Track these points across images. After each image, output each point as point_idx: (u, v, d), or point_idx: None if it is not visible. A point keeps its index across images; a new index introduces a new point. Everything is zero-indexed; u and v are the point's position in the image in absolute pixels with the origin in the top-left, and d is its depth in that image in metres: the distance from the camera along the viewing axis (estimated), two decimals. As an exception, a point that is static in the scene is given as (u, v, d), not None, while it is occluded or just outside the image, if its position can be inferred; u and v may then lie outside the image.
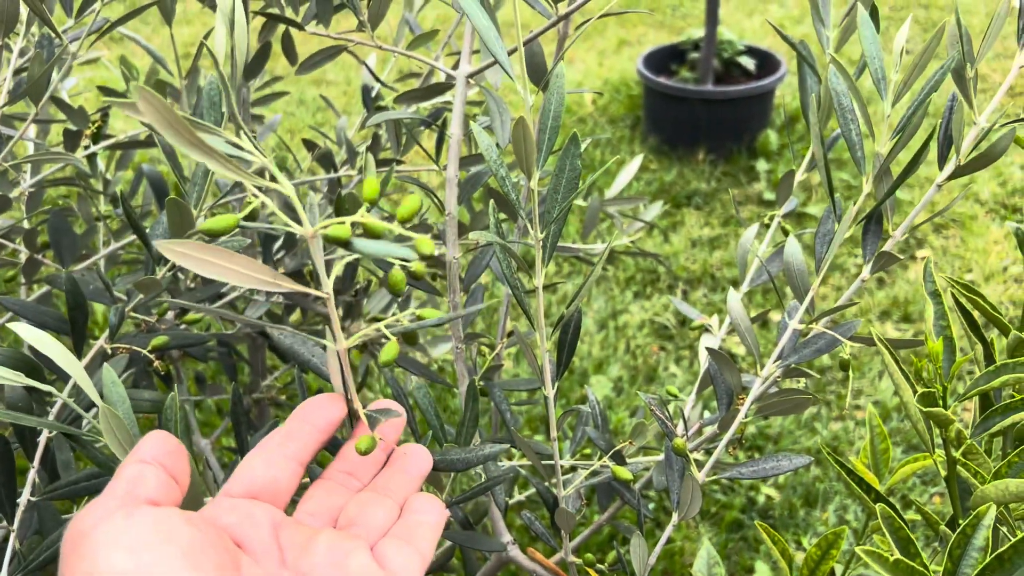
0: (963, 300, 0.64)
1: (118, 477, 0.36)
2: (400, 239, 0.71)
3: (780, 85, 2.87)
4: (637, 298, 2.30)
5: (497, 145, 0.69)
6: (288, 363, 0.93)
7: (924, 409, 0.46)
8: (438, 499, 0.44)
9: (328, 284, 0.42)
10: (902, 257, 0.53)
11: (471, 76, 0.66)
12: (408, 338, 0.46)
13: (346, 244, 0.40)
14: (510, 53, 0.65)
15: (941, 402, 0.49)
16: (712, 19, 2.73)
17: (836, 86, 0.56)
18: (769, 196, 2.68)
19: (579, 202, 1.08)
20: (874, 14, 0.68)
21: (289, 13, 0.77)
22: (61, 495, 0.54)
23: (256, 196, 0.40)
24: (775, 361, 0.58)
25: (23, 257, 0.85)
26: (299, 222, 0.39)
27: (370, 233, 0.40)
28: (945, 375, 0.49)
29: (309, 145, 0.93)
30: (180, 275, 0.87)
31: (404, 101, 0.69)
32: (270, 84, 1.13)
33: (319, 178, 0.92)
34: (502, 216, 0.90)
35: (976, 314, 0.64)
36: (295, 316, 0.92)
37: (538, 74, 0.74)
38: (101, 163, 0.95)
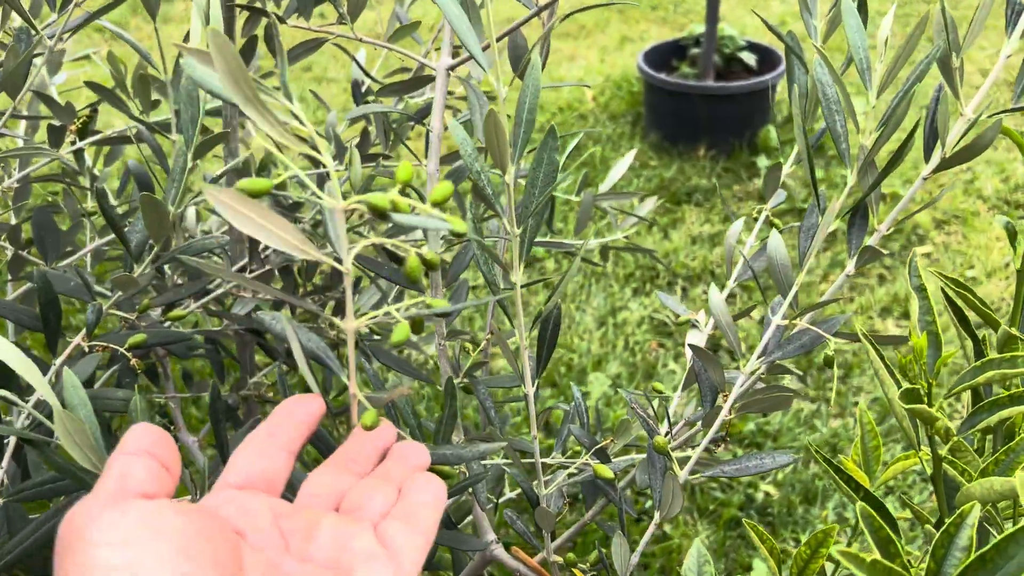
0: (953, 295, 0.63)
1: (107, 472, 0.36)
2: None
3: (781, 81, 2.86)
4: (636, 295, 2.29)
5: (477, 140, 0.68)
6: (277, 360, 0.92)
7: (906, 406, 0.45)
8: (436, 477, 0.43)
9: (348, 260, 0.42)
10: (886, 252, 0.52)
11: (451, 69, 0.65)
12: (414, 325, 0.46)
13: (383, 214, 0.40)
14: (487, 47, 0.64)
15: (926, 399, 0.48)
16: (713, 15, 2.71)
17: (821, 76, 0.55)
18: (770, 192, 2.66)
19: (573, 197, 1.07)
20: (862, 5, 0.67)
21: (271, 7, 0.76)
22: (28, 497, 0.53)
23: (288, 167, 0.41)
24: (759, 357, 0.57)
25: (10, 254, 0.84)
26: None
27: (399, 212, 0.41)
28: (930, 371, 0.48)
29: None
30: (166, 271, 0.86)
31: (386, 94, 0.68)
32: (264, 79, 1.12)
33: (308, 172, 0.91)
34: (490, 213, 0.90)
35: (967, 310, 0.63)
36: (283, 314, 0.92)
37: (522, 67, 0.74)
38: (89, 159, 0.94)
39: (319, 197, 0.41)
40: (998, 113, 0.51)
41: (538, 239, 1.08)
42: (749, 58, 2.89)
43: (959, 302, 0.63)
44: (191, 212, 1.13)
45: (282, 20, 0.74)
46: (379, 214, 0.41)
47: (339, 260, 0.43)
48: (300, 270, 0.96)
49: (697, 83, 2.77)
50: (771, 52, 2.93)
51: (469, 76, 0.85)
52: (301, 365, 0.47)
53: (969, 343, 0.64)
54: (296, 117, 0.41)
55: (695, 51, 2.95)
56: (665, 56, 2.99)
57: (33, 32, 0.64)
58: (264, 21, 0.80)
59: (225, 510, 0.38)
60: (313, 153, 0.40)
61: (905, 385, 0.46)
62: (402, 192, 0.42)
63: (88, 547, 0.32)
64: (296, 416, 0.44)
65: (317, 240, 0.96)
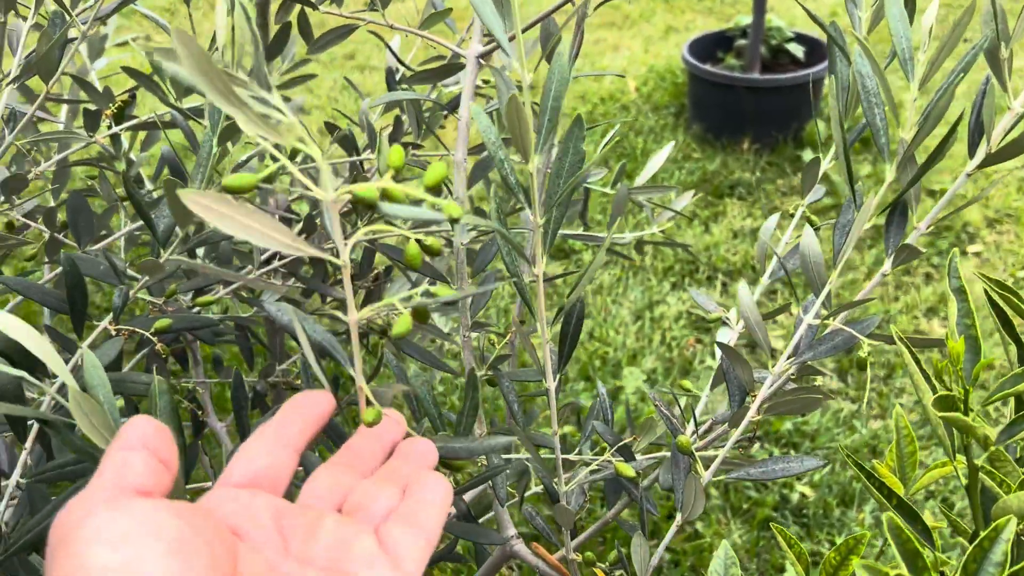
0: (996, 297, 0.60)
1: (104, 466, 0.35)
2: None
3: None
4: (675, 289, 2.26)
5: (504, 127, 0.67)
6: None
7: (939, 414, 0.43)
8: (442, 477, 0.42)
9: (345, 253, 0.41)
10: (924, 251, 0.50)
11: (481, 57, 0.64)
12: (419, 315, 0.45)
13: (372, 206, 0.39)
14: (514, 37, 0.63)
15: (962, 406, 0.46)
16: (760, 5, 2.66)
17: (861, 68, 0.53)
18: (815, 187, 2.61)
19: (608, 190, 1.05)
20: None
21: (305, -8, 0.76)
22: (50, 478, 0.53)
23: (276, 158, 0.40)
24: (788, 357, 0.55)
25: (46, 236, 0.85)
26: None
27: (393, 200, 0.40)
28: (967, 377, 0.46)
29: (330, 127, 0.92)
30: (198, 256, 0.86)
31: (416, 82, 0.68)
32: (298, 67, 1.12)
33: (339, 160, 0.91)
34: (521, 204, 0.88)
35: (1011, 313, 0.61)
36: (314, 302, 0.92)
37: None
38: (126, 142, 0.95)
39: (309, 190, 0.40)
40: (1048, 108, 0.49)
41: (571, 232, 1.07)
42: (797, 50, 2.84)
43: (1003, 305, 0.61)
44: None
45: (314, 6, 0.73)
46: (367, 205, 0.40)
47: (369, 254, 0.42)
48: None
49: (743, 75, 2.72)
50: (819, 44, 2.87)
51: (504, 66, 0.83)
52: (308, 357, 0.46)
53: (1013, 348, 0.61)
54: (277, 108, 0.39)
55: (741, 42, 2.90)
56: (710, 47, 2.94)
57: (67, 17, 0.64)
58: (298, 7, 0.79)
59: (225, 508, 0.38)
60: (299, 146, 0.39)
61: (940, 391, 0.44)
62: (395, 179, 0.40)
63: (83, 544, 0.32)
64: (304, 412, 0.43)
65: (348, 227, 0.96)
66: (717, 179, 2.66)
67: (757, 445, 1.93)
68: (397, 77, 0.97)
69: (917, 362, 0.49)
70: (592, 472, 0.62)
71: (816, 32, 3.01)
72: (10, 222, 0.86)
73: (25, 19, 0.70)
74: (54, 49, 0.60)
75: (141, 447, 0.36)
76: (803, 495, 1.71)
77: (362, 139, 1.01)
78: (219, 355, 0.92)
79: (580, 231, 1.06)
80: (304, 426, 0.43)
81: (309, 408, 0.43)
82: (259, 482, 0.40)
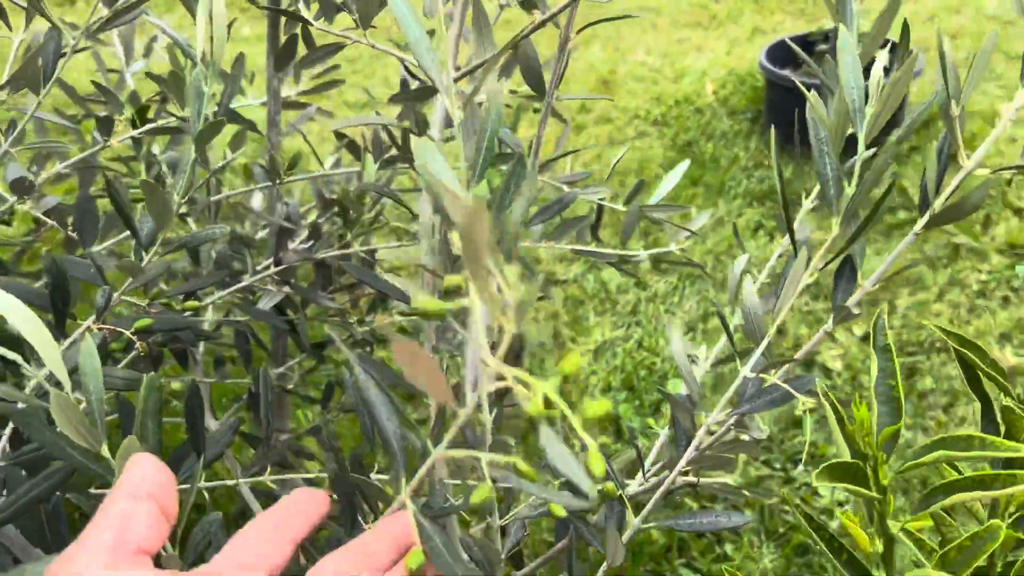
0: (963, 352, 0.57)
1: (107, 516, 0.36)
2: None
3: (917, 80, 2.68)
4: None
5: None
6: (304, 351, 0.94)
7: (833, 484, 0.41)
8: None
9: (471, 398, 0.40)
10: (858, 312, 0.48)
11: (455, 80, 0.64)
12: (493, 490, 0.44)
13: (533, 423, 0.38)
14: (496, 54, 0.63)
15: (872, 474, 0.44)
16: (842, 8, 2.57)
17: (812, 115, 0.51)
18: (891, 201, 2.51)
19: (619, 207, 1.04)
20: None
21: (304, 10, 0.77)
22: (26, 461, 0.56)
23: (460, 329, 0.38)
24: (723, 409, 0.54)
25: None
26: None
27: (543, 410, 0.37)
28: (876, 444, 0.44)
29: (339, 136, 0.94)
30: (199, 259, 0.89)
31: (394, 103, 0.68)
32: (327, 72, 1.14)
33: (348, 171, 0.93)
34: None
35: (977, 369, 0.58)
36: (311, 309, 0.94)
37: (534, 80, 0.72)
38: (157, 146, 0.99)
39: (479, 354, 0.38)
40: (1001, 169, 0.46)
41: (582, 248, 1.06)
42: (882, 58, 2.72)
43: (969, 360, 0.58)
44: (257, 197, 1.17)
45: (309, 22, 0.74)
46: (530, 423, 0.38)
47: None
48: (338, 268, 0.98)
49: (821, 82, 2.63)
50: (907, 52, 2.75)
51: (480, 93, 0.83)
52: (391, 443, 0.45)
53: (977, 404, 0.58)
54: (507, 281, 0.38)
55: (823, 47, 2.80)
56: (790, 52, 2.85)
57: (58, 30, 0.67)
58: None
59: None
60: (503, 321, 0.38)
61: (834, 460, 0.42)
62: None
63: None
64: (300, 511, 0.43)
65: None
66: (788, 188, 2.58)
67: (800, 468, 1.86)
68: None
69: (840, 422, 0.47)
70: (536, 508, 0.62)
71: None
72: (36, 219, 0.91)
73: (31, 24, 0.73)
74: (34, 61, 0.63)
75: (145, 496, 0.36)
76: (844, 524, 1.66)
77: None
78: (221, 355, 0.95)
79: (591, 247, 1.05)
80: (299, 523, 0.43)
81: (304, 508, 0.43)
82: (254, 567, 0.40)
